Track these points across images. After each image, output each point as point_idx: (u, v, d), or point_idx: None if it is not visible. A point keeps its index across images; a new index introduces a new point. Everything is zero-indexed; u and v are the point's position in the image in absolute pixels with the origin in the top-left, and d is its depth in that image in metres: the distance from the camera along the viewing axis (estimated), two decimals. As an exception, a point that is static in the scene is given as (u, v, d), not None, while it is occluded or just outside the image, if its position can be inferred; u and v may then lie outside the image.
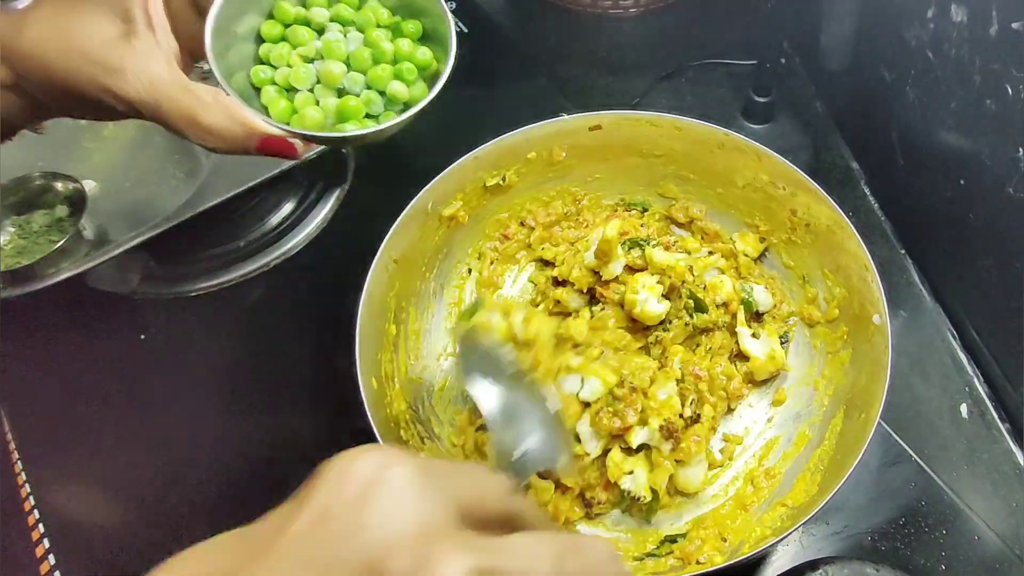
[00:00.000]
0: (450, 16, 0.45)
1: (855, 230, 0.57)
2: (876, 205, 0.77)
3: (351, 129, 0.44)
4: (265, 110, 0.44)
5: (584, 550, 0.29)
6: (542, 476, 0.57)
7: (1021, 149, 0.55)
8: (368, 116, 0.45)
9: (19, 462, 0.63)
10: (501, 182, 0.65)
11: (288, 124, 0.43)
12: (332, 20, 0.45)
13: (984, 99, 0.58)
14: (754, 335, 0.62)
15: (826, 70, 0.74)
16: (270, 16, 0.45)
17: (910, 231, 0.74)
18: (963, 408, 0.64)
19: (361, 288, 0.56)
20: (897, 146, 0.73)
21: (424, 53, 0.46)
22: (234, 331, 0.72)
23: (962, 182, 0.63)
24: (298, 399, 0.67)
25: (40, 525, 0.59)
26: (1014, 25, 0.53)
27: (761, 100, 0.78)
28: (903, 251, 0.73)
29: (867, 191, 0.78)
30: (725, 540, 0.54)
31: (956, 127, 0.63)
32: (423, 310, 0.65)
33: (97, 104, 0.41)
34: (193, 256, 0.73)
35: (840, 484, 0.48)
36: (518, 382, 0.50)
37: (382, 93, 0.45)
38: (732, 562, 0.49)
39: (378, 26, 0.46)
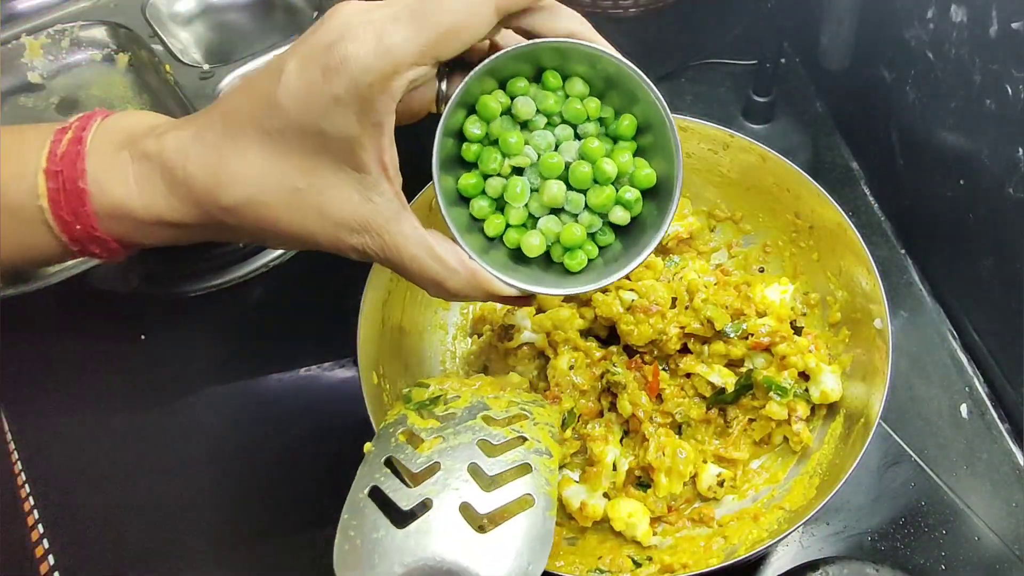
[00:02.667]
0: (662, 104, 0.39)
1: (857, 233, 0.57)
2: (876, 205, 0.77)
3: (584, 281, 0.42)
4: (477, 230, 0.42)
5: None
6: None
7: (1021, 149, 0.55)
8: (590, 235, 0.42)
9: (19, 462, 0.63)
10: None
11: (516, 248, 0.42)
12: (538, 112, 0.41)
13: (984, 99, 0.58)
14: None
15: (826, 70, 0.74)
16: (470, 110, 0.41)
17: (910, 231, 0.74)
18: (963, 408, 0.64)
19: (361, 288, 0.56)
20: (897, 146, 0.73)
21: (648, 173, 0.41)
22: (234, 331, 0.72)
23: (962, 182, 0.63)
24: (299, 399, 0.67)
25: (40, 525, 0.59)
26: (1014, 25, 0.53)
27: (761, 100, 0.78)
28: (903, 251, 0.73)
29: (867, 191, 0.78)
30: (724, 539, 0.54)
31: (956, 127, 0.63)
32: (424, 310, 0.65)
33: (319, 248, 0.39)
34: (193, 256, 0.73)
35: (837, 488, 0.48)
36: None
37: (603, 215, 0.42)
38: (729, 563, 0.48)
39: (588, 119, 0.41)
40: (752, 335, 0.58)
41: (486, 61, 0.38)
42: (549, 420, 0.46)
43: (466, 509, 0.39)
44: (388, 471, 0.41)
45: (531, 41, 0.38)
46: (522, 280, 0.41)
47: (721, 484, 0.56)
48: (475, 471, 0.41)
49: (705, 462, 0.57)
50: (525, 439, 0.43)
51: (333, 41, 0.33)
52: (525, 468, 0.41)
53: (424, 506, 0.39)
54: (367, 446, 0.43)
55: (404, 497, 0.39)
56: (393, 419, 0.45)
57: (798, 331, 0.60)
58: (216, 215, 0.36)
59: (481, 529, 0.39)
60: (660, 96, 0.39)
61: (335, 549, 0.38)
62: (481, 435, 0.42)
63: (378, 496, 0.40)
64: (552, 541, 0.39)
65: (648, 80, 0.39)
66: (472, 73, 0.38)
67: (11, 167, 0.35)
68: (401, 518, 0.39)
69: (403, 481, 0.40)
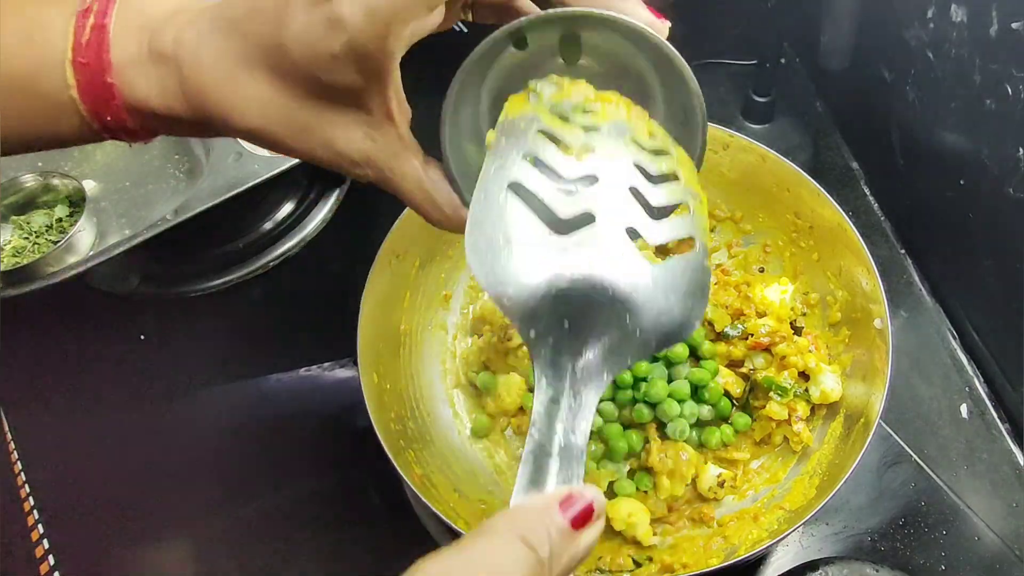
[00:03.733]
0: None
1: (857, 233, 0.57)
2: (876, 205, 0.77)
3: None
4: None
5: None
6: None
7: (1021, 149, 0.55)
8: None
9: (19, 462, 0.63)
10: None
11: None
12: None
13: (984, 99, 0.58)
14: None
15: (826, 70, 0.74)
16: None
17: (910, 231, 0.74)
18: (963, 408, 0.64)
19: (361, 288, 0.56)
20: (897, 146, 0.72)
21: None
22: (234, 331, 0.71)
23: (962, 182, 0.63)
24: (299, 399, 0.67)
25: (40, 525, 0.59)
26: (1014, 25, 0.53)
27: (761, 100, 0.78)
28: (903, 251, 0.73)
29: (867, 191, 0.78)
30: (723, 538, 0.54)
31: (956, 127, 0.63)
32: (424, 310, 0.65)
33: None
34: (193, 256, 0.73)
35: (837, 488, 0.48)
36: None
37: None
38: (729, 563, 0.48)
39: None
40: (752, 335, 0.58)
41: (501, 29, 0.36)
42: (690, 165, 0.38)
43: (633, 235, 0.33)
44: (535, 170, 0.34)
45: (561, 10, 0.34)
46: None
47: (721, 485, 0.56)
48: (637, 195, 0.34)
49: (706, 463, 0.57)
50: (678, 177, 0.36)
51: None
52: (684, 208, 0.35)
53: (585, 220, 0.33)
54: (489, 135, 0.36)
55: (562, 201, 0.33)
56: (518, 115, 0.37)
57: (798, 331, 0.60)
58: (230, 132, 0.37)
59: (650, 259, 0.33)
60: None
61: (468, 251, 0.32)
62: (636, 158, 0.35)
63: (523, 195, 0.34)
64: (709, 292, 0.34)
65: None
66: (489, 39, 0.36)
67: (38, 52, 0.36)
68: (557, 228, 0.33)
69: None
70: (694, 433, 0.58)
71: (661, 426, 0.57)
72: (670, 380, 0.58)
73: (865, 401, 0.54)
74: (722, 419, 0.59)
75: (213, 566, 0.59)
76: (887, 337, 0.53)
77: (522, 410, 0.61)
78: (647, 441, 0.57)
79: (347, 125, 0.37)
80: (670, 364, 0.59)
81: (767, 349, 0.58)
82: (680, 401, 0.57)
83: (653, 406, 0.57)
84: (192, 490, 0.62)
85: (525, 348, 0.60)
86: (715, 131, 0.62)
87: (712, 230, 0.69)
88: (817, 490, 0.52)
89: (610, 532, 0.55)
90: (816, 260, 0.62)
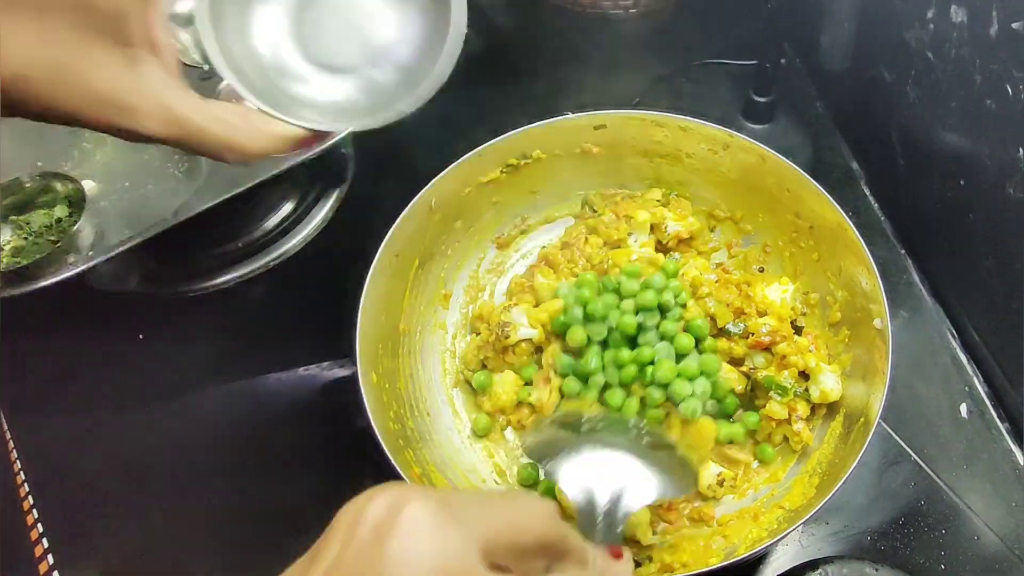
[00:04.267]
0: None
1: (857, 233, 0.57)
2: (876, 205, 0.77)
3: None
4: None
5: None
6: None
7: (1021, 149, 0.55)
8: None
9: (19, 462, 0.63)
10: (524, 161, 0.65)
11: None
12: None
13: (984, 99, 0.58)
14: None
15: (826, 70, 0.74)
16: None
17: (910, 231, 0.74)
18: (963, 408, 0.64)
19: (361, 288, 0.56)
20: (897, 146, 0.73)
21: None
22: (233, 331, 0.71)
23: (962, 182, 0.63)
24: (298, 399, 0.67)
25: (39, 525, 0.59)
26: (1014, 25, 0.53)
27: (761, 100, 0.78)
28: (903, 251, 0.73)
29: (867, 191, 0.78)
30: (723, 538, 0.54)
31: (956, 127, 0.63)
32: (424, 309, 0.65)
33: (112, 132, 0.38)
34: (193, 256, 0.73)
35: (837, 488, 0.48)
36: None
37: None
38: (728, 562, 0.48)
39: None
40: (753, 334, 0.58)
41: None
42: None
43: None
44: None
45: None
46: (309, 120, 0.42)
47: (721, 484, 0.56)
48: None
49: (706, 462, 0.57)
50: None
51: None
52: None
53: None
54: None
55: None
56: None
57: (798, 331, 0.60)
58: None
59: None
60: None
61: None
62: None
63: None
64: None
65: None
66: None
67: None
68: None
69: None
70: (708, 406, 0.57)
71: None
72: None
73: (865, 401, 0.54)
74: (725, 416, 0.59)
75: (211, 565, 0.59)
76: (887, 337, 0.53)
77: (519, 405, 0.61)
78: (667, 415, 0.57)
79: (109, 63, 0.35)
80: (680, 357, 0.58)
81: (767, 348, 0.58)
82: (690, 379, 0.56)
83: (664, 387, 0.56)
84: (191, 489, 0.62)
85: (524, 344, 0.61)
86: (715, 131, 0.62)
87: (712, 230, 0.69)
88: (817, 489, 0.52)
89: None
90: (816, 260, 0.62)
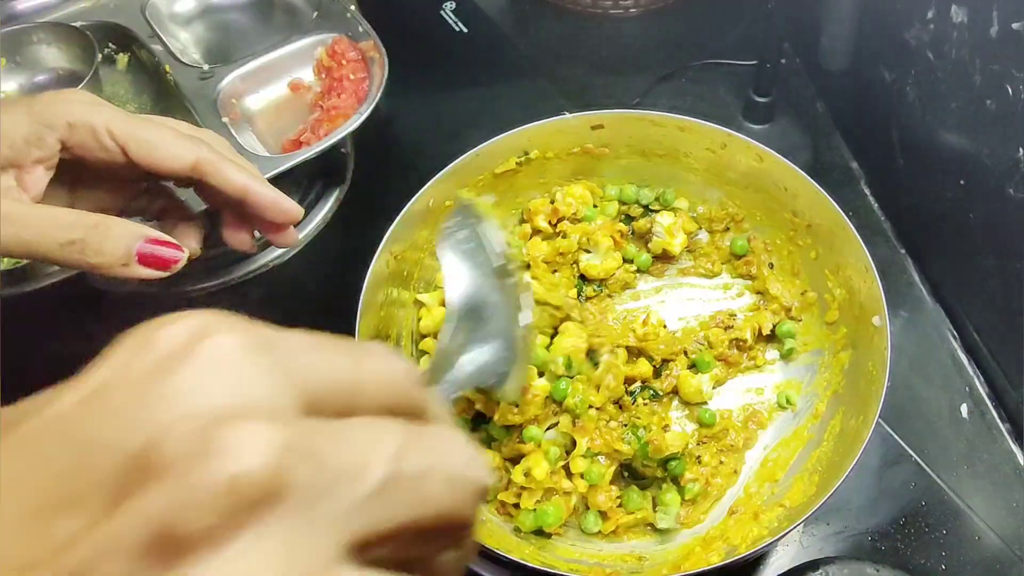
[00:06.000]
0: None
1: (856, 231, 0.57)
2: (876, 205, 0.77)
3: None
4: None
5: (436, 445, 0.21)
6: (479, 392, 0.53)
7: (1021, 149, 0.55)
8: None
9: (19, 462, 0.63)
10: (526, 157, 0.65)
11: None
12: None
13: (984, 99, 0.58)
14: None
15: (826, 70, 0.74)
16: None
17: (910, 231, 0.74)
18: (963, 408, 0.64)
19: (361, 288, 0.56)
20: (897, 146, 0.73)
21: None
22: (234, 331, 0.71)
23: (962, 182, 0.63)
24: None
25: (40, 525, 0.59)
26: (1014, 25, 0.53)
27: (761, 100, 0.78)
28: (903, 251, 0.73)
29: (867, 191, 0.78)
30: (722, 539, 0.54)
31: (956, 127, 0.63)
32: (423, 309, 0.65)
33: None
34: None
35: (837, 485, 0.48)
36: (498, 279, 0.45)
37: None
38: (728, 562, 0.48)
39: None
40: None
41: None
42: None
43: None
44: None
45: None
46: None
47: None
48: None
49: (696, 373, 0.60)
50: None
51: None
52: None
53: None
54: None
55: None
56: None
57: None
58: None
59: None
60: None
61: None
62: None
63: None
64: None
65: None
66: None
67: None
68: None
69: None
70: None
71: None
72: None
73: (864, 399, 0.54)
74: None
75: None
76: (885, 334, 0.53)
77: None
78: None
79: None
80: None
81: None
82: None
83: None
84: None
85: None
86: (715, 131, 0.62)
87: (712, 231, 0.69)
88: (817, 488, 0.52)
89: (612, 534, 0.55)
90: (814, 258, 0.62)
